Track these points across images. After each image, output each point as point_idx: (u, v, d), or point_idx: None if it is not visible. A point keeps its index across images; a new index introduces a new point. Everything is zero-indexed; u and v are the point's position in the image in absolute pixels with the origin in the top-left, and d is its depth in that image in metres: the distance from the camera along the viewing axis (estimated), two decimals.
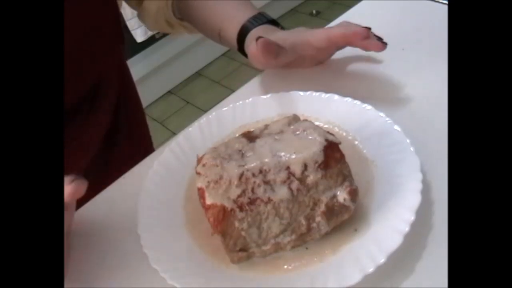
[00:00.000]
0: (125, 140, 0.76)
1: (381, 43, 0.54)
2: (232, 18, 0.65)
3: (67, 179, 0.40)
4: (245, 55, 0.64)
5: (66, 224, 0.40)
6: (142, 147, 0.81)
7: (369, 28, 0.53)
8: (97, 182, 0.51)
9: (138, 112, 0.82)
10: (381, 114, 0.52)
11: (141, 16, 0.78)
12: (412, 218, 0.41)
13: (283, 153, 0.42)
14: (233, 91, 0.66)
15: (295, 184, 0.41)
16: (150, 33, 1.98)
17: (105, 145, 0.71)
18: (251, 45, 0.56)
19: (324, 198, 0.42)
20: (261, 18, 0.63)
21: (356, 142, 0.52)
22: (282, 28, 0.63)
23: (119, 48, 0.72)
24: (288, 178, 0.42)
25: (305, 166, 0.42)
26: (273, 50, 0.54)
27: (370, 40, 0.53)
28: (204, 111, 0.66)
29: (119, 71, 0.75)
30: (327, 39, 0.54)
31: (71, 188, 0.39)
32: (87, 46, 0.61)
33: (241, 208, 0.41)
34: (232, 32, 0.64)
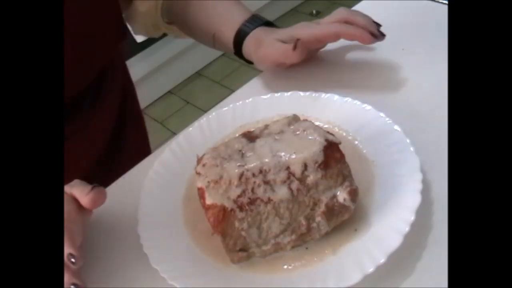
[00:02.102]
0: (130, 141, 0.76)
1: (369, 36, 0.56)
2: (226, 21, 0.65)
3: (86, 188, 0.43)
4: (242, 58, 0.64)
5: (83, 228, 0.45)
6: (142, 148, 0.82)
7: (370, 31, 0.55)
8: (103, 183, 0.52)
9: (139, 113, 0.83)
10: (381, 114, 0.52)
11: (127, 17, 0.78)
12: (412, 218, 0.41)
13: (283, 153, 0.42)
14: (233, 91, 0.66)
15: (295, 184, 0.41)
16: None
17: (111, 144, 0.72)
18: (266, 48, 0.58)
19: (324, 198, 0.42)
20: (256, 21, 0.63)
21: (356, 142, 0.52)
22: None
23: (121, 45, 0.73)
24: (288, 178, 0.42)
25: (305, 166, 0.42)
26: (305, 49, 0.58)
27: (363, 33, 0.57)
28: (204, 111, 0.66)
29: (121, 67, 0.76)
30: (334, 32, 0.57)
31: (91, 195, 0.43)
32: (91, 36, 0.62)
33: (241, 208, 0.41)
34: (228, 36, 0.64)
